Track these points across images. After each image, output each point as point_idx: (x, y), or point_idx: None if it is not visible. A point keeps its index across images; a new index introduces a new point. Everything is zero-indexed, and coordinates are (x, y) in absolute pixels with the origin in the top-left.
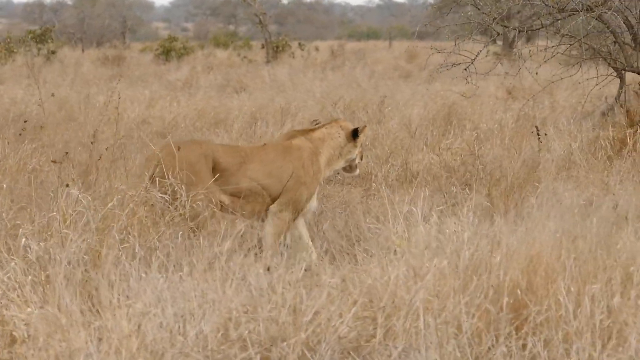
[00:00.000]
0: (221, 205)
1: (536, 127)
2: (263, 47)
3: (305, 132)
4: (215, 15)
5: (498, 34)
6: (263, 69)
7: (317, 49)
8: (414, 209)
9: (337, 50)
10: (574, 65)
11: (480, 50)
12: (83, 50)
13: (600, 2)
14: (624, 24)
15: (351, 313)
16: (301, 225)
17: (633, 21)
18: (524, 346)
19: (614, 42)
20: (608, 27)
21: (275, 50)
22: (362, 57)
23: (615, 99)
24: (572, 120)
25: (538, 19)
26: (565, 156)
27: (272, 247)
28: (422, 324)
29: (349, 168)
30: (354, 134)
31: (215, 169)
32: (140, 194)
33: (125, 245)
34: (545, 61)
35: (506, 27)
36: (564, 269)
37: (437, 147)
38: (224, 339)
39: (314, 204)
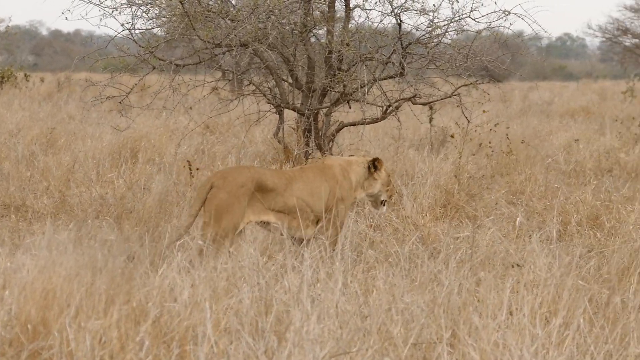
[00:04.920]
0: (266, 223)
1: (188, 161)
2: None
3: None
4: None
5: (154, 68)
6: None
7: (42, 80)
8: None
9: (64, 82)
10: (232, 101)
11: (136, 84)
12: None
13: (255, 38)
14: (281, 60)
15: None
16: None
17: (291, 58)
18: None
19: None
20: (264, 63)
21: (0, 81)
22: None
23: (274, 135)
24: (241, 156)
25: (195, 53)
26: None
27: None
28: None
29: (375, 204)
30: (370, 165)
31: (263, 190)
32: None
33: None
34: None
35: (163, 60)
36: (76, 303)
37: (100, 181)
38: None
39: None
